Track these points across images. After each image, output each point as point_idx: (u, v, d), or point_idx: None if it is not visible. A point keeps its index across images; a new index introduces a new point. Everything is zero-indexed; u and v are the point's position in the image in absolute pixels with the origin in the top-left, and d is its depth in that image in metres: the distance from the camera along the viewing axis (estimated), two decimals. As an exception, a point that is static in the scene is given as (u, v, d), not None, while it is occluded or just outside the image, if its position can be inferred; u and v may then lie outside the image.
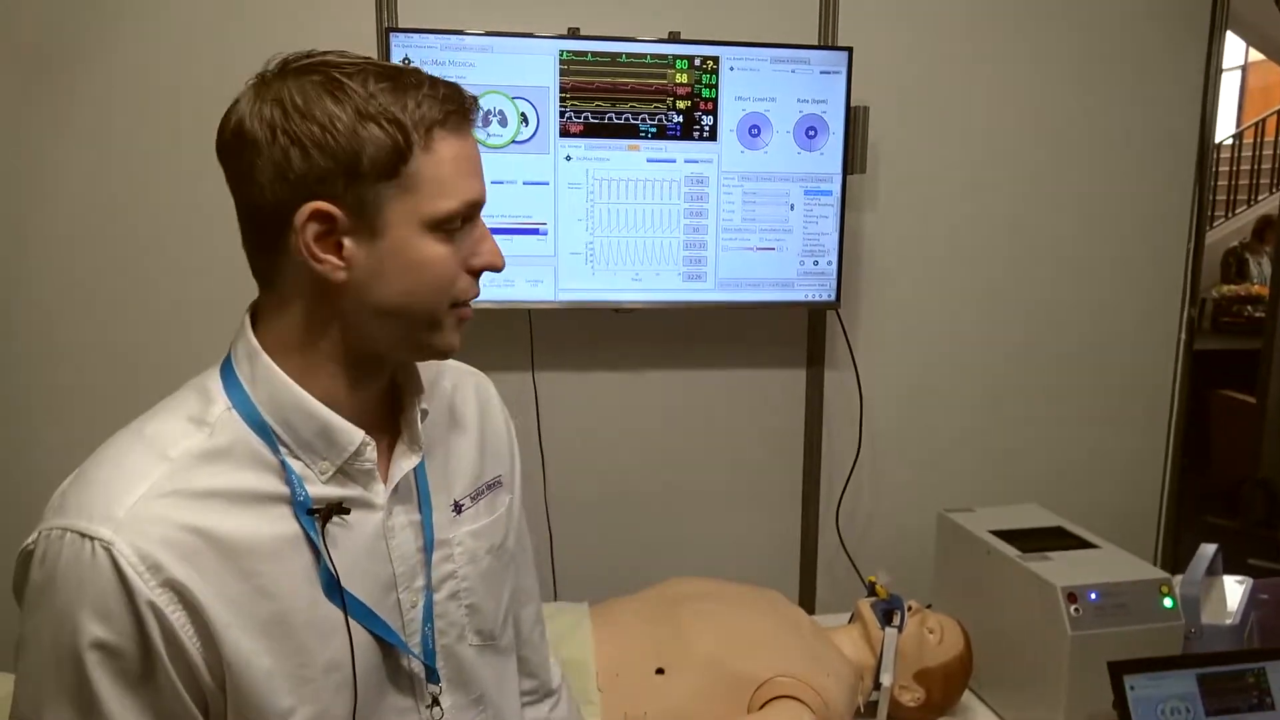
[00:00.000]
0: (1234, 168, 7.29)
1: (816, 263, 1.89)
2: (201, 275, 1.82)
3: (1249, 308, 5.30)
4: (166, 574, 0.68)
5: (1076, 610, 1.39)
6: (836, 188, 1.89)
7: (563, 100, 1.78)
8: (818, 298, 1.92)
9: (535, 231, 1.80)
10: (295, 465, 0.75)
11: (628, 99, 1.80)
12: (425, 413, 0.83)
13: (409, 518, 0.82)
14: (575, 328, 1.97)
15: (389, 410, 0.83)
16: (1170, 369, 2.30)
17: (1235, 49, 8.10)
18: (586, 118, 1.79)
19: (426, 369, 0.87)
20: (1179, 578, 1.52)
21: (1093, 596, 1.40)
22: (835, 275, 1.90)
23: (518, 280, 1.81)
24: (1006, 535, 1.60)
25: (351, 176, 0.70)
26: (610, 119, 1.80)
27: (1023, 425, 2.21)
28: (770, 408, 2.12)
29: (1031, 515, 1.72)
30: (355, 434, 0.77)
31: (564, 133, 1.79)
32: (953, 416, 2.18)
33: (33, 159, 1.80)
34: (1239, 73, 8.57)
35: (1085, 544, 1.58)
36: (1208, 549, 1.62)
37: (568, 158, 1.79)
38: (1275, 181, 7.01)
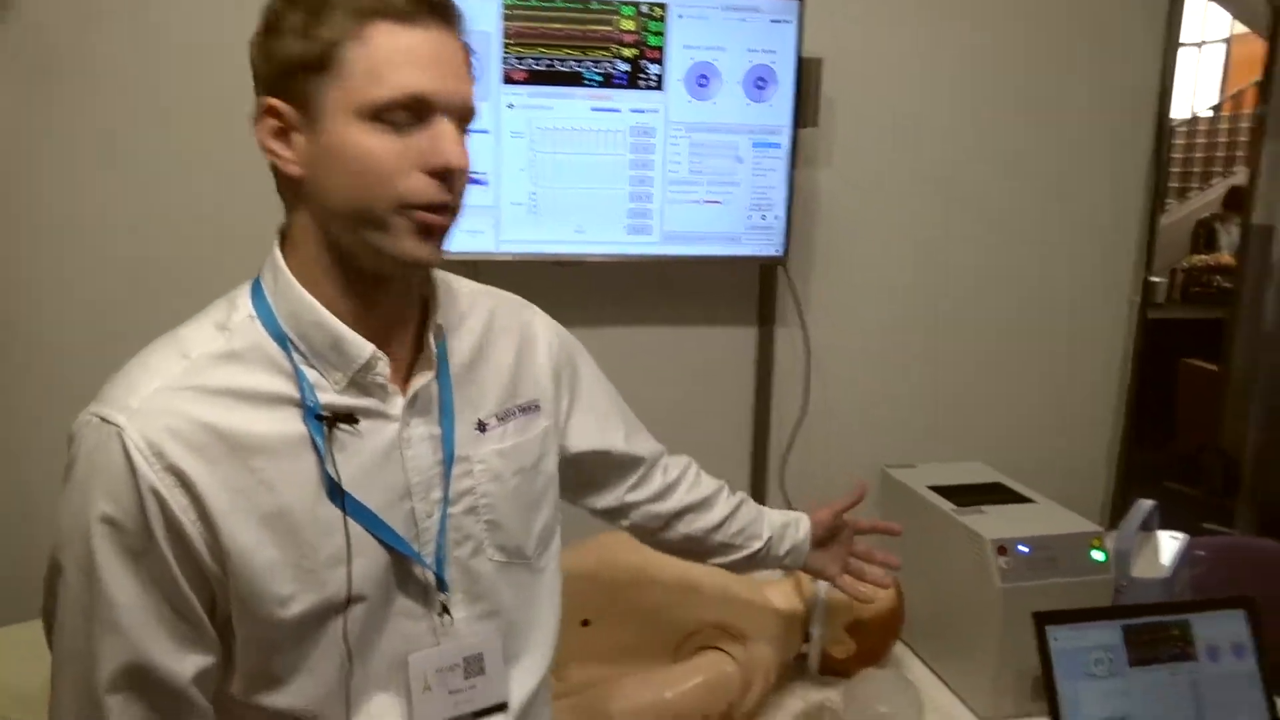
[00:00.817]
0: (1212, 139, 7.29)
1: (764, 217, 1.87)
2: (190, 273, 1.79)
3: (1218, 278, 5.32)
4: (169, 460, 0.73)
5: (1006, 563, 1.39)
6: (786, 140, 1.86)
7: (506, 47, 1.74)
8: (765, 253, 1.90)
9: (476, 181, 1.76)
10: (309, 373, 0.80)
11: (573, 46, 1.76)
12: (440, 329, 0.87)
13: (428, 430, 0.85)
14: (517, 280, 1.87)
15: (417, 328, 0.87)
16: (1124, 335, 2.30)
17: (1221, 21, 8.06)
18: (530, 65, 1.75)
19: (466, 292, 0.94)
20: (1114, 533, 1.52)
21: (1023, 549, 1.40)
22: (784, 230, 1.88)
23: (458, 230, 1.77)
24: (945, 491, 1.60)
25: (287, 72, 0.75)
26: (554, 67, 1.76)
27: (973, 385, 2.21)
28: (720, 366, 2.10)
29: (973, 472, 1.72)
30: (364, 347, 0.80)
31: (507, 80, 1.75)
32: (902, 375, 2.17)
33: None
34: (1224, 45, 8.53)
35: (1022, 499, 1.58)
36: (1144, 505, 1.62)
37: (510, 105, 1.76)
38: (1249, 153, 7.00)
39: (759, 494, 2.16)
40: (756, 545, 1.22)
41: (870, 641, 1.49)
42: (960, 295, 2.17)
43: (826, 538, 1.27)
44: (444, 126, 0.77)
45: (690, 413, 2.11)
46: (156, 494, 0.73)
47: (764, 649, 1.37)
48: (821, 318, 2.08)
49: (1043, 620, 1.28)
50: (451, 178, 0.78)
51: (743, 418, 2.14)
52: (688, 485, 1.19)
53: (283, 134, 0.77)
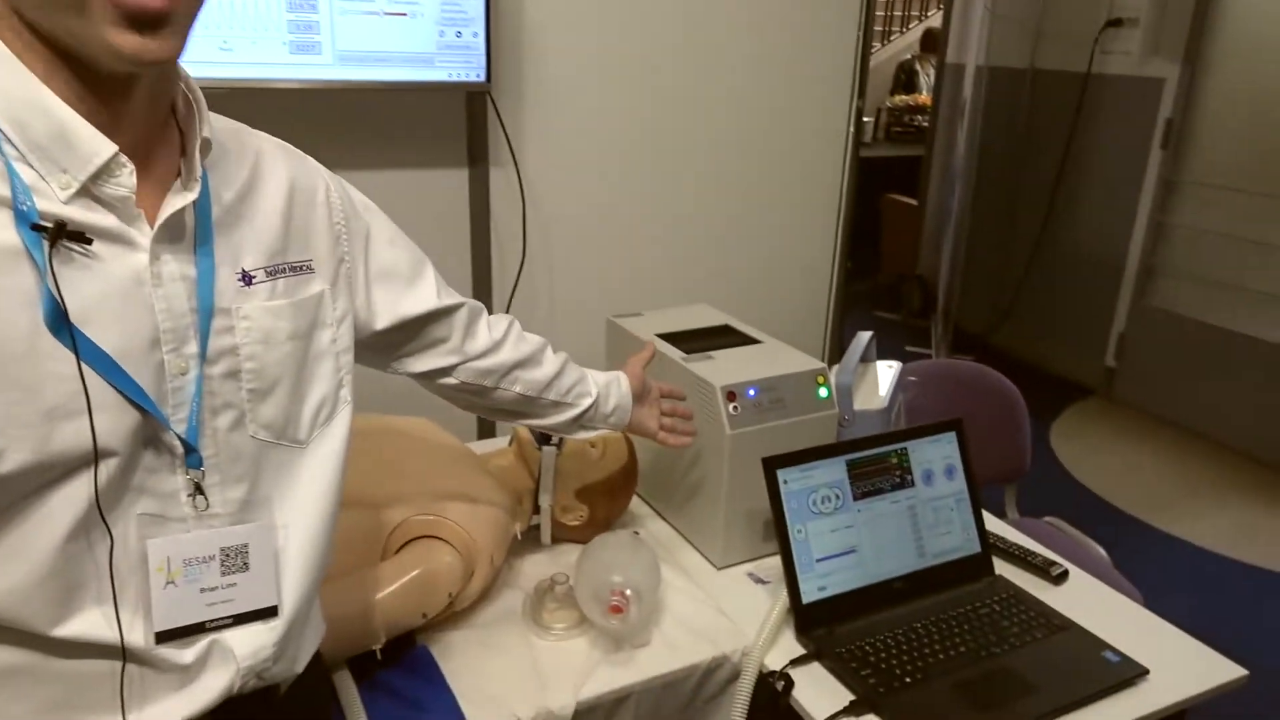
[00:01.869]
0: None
1: (459, 34, 1.59)
2: None
3: (918, 117, 5.68)
4: None
5: (735, 409, 1.32)
6: (480, -62, 1.58)
7: None
8: (464, 78, 1.63)
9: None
10: (24, 172, 0.65)
11: None
12: (208, 144, 0.74)
13: (181, 270, 0.73)
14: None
15: (171, 146, 0.74)
16: (839, 175, 2.30)
17: None
18: None
19: (228, 128, 0.81)
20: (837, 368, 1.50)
21: (751, 393, 1.34)
22: (484, 51, 1.62)
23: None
24: (673, 337, 1.51)
25: None
26: None
27: (696, 226, 2.13)
28: (429, 214, 1.85)
29: (701, 315, 1.64)
30: (103, 145, 0.66)
31: None
32: (625, 217, 2.04)
33: None
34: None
35: (749, 340, 1.52)
36: (863, 337, 1.62)
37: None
38: (943, -3, 7.44)
39: (483, 355, 1.99)
40: (587, 402, 1.18)
41: (603, 505, 1.39)
42: (680, 134, 2.04)
43: (640, 393, 1.25)
44: None
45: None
46: None
47: (486, 530, 1.23)
48: (535, 156, 1.87)
49: (772, 464, 1.23)
50: None
51: (461, 270, 1.92)
52: (514, 340, 1.12)
53: None
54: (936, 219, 4.46)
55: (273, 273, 0.81)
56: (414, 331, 1.01)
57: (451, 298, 1.04)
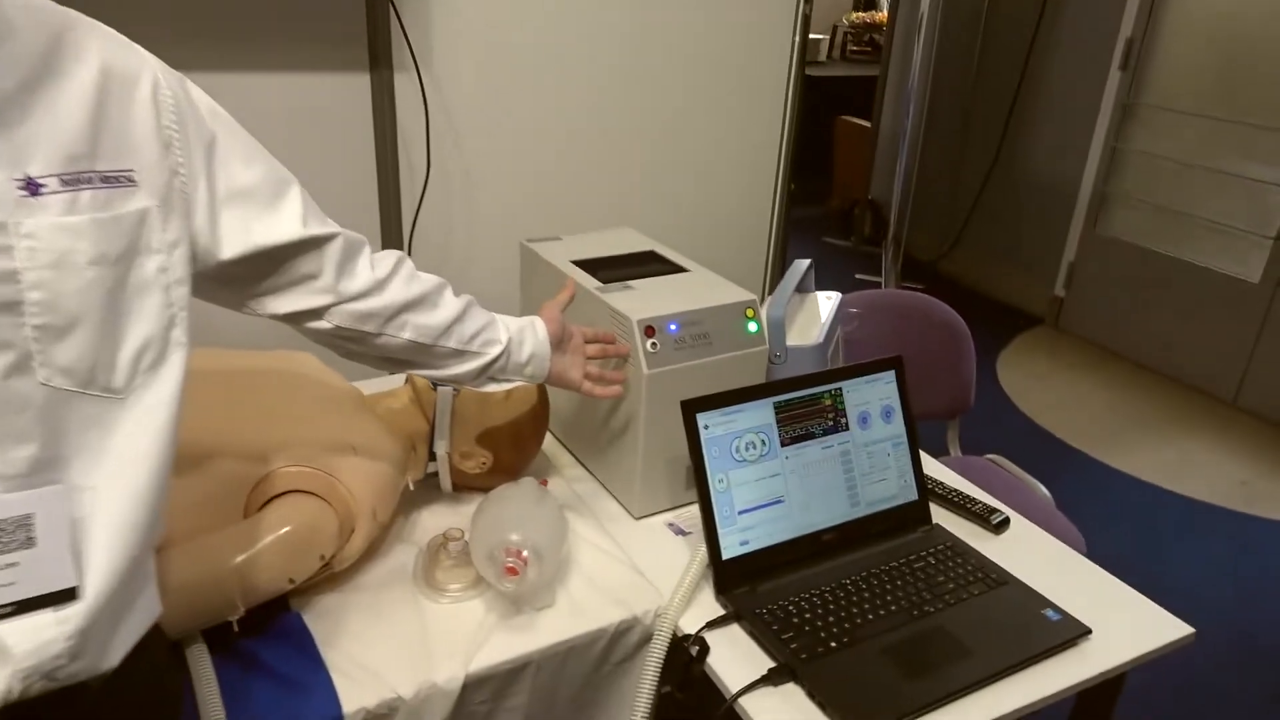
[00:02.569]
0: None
1: (345, -89, 1.39)
2: None
3: (876, 35, 5.47)
4: None
5: (654, 345, 1.19)
6: None
7: None
8: (353, -36, 1.43)
9: None
10: None
11: None
12: None
13: None
14: None
15: None
16: (783, 89, 2.13)
17: None
18: None
19: (24, 3, 0.66)
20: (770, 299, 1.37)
21: (673, 328, 1.21)
22: (375, -68, 1.42)
23: None
24: (590, 265, 1.36)
25: None
26: None
27: (624, 141, 1.96)
28: (328, 125, 1.66)
29: (623, 240, 1.49)
30: None
31: None
32: (545, 130, 1.86)
33: None
34: None
35: (675, 269, 1.38)
36: (800, 265, 1.49)
37: None
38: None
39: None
40: (495, 350, 1.05)
41: (508, 451, 1.26)
42: (607, 38, 1.85)
43: (559, 339, 1.13)
44: None
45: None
46: None
47: (367, 482, 1.09)
48: (444, 58, 1.68)
49: (692, 408, 1.11)
50: None
51: (366, 188, 1.74)
52: (404, 280, 0.98)
53: None
54: (890, 142, 4.31)
55: (72, 182, 0.67)
56: (273, 265, 0.87)
57: (323, 227, 0.89)
